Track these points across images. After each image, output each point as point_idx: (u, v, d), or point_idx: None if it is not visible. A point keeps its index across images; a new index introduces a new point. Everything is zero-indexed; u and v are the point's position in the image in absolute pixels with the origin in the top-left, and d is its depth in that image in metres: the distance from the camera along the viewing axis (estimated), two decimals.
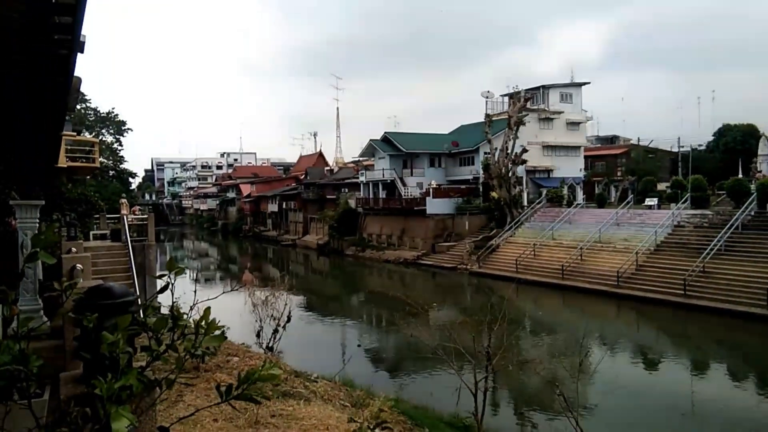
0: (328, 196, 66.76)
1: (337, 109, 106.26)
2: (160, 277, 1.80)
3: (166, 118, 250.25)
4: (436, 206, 48.21)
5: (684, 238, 31.81)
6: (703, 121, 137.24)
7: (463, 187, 51.77)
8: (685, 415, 15.57)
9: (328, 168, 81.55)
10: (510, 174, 45.18)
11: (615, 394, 16.37)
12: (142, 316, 1.68)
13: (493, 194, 45.37)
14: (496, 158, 45.30)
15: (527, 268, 35.77)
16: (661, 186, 45.50)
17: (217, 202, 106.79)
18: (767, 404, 16.65)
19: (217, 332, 1.64)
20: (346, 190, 65.32)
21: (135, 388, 1.51)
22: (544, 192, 47.32)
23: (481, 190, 50.11)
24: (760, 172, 46.26)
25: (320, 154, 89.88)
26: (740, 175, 42.85)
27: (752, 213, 30.74)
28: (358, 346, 22.97)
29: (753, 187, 33.02)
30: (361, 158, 66.78)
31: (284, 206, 74.67)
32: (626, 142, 73.74)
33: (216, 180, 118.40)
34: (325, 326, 27.74)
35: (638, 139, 72.06)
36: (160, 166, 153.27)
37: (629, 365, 20.23)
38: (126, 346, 1.56)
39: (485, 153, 48.45)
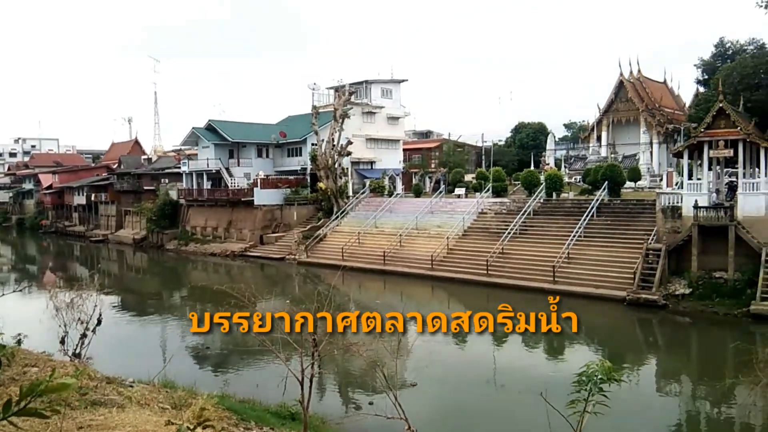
0: (145, 187, 62.34)
1: (155, 93, 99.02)
2: None
3: None
4: (264, 197, 47.76)
5: (487, 223, 35.63)
6: (503, 118, 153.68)
7: (291, 177, 51.92)
8: (489, 383, 17.65)
9: (145, 157, 76.44)
10: (336, 165, 46.42)
11: (430, 368, 17.88)
12: None
13: (321, 185, 46.26)
14: (323, 150, 46.18)
15: (353, 256, 37.21)
16: (468, 177, 49.89)
17: (10, 194, 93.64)
18: (554, 365, 19.56)
19: None
20: (167, 180, 61.83)
21: None
22: (368, 183, 49.40)
23: (309, 180, 50.71)
24: (548, 164, 53.46)
25: (136, 142, 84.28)
26: (532, 168, 48.89)
27: (541, 200, 35.47)
28: (207, 347, 21.86)
29: (542, 178, 38.02)
30: (183, 147, 63.51)
31: (94, 198, 68.14)
32: (439, 137, 79.77)
33: (9, 169, 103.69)
34: (143, 327, 26.16)
35: (449, 134, 78.62)
36: None
37: (441, 341, 22.17)
38: None
39: (313, 144, 49.09)
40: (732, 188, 27.18)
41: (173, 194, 56.13)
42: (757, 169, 26.50)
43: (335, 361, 16.06)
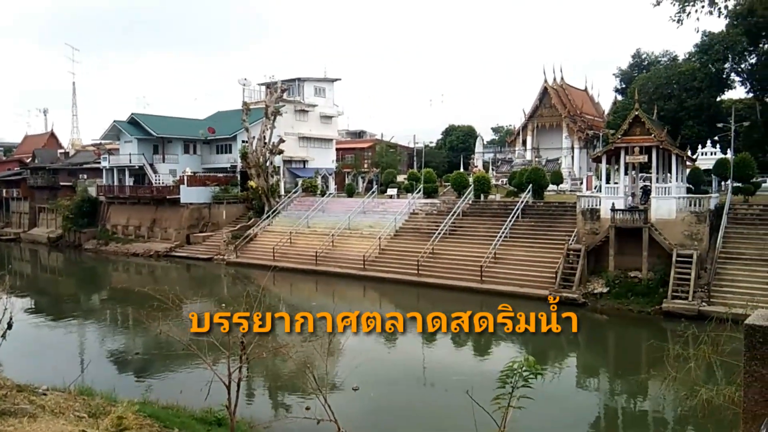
0: (62, 183, 59.19)
1: (74, 84, 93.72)
2: None
3: None
4: (191, 195, 46.38)
5: (418, 224, 36.18)
6: (435, 120, 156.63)
7: (220, 175, 50.70)
8: (419, 382, 17.91)
9: (62, 151, 72.40)
10: (268, 163, 45.68)
11: (361, 369, 17.92)
12: None
13: (251, 183, 45.36)
14: (254, 147, 45.31)
15: (284, 256, 36.74)
16: (400, 178, 50.43)
17: None
18: (480, 361, 20.10)
19: None
20: (86, 176, 59.05)
21: None
22: (300, 182, 48.97)
23: (239, 178, 49.64)
24: (476, 167, 54.88)
25: (52, 135, 79.70)
26: (461, 170, 50.02)
27: (470, 202, 36.38)
28: (137, 354, 20.71)
29: (471, 180, 38.99)
30: (103, 141, 60.63)
31: (5, 194, 64.25)
32: (372, 137, 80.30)
33: None
34: (59, 331, 24.74)
35: (382, 134, 79.30)
36: None
37: (373, 341, 22.31)
38: None
39: (243, 141, 48.12)
40: (646, 192, 28.92)
41: (92, 191, 53.72)
42: (669, 174, 28.34)
43: (265, 363, 15.78)
